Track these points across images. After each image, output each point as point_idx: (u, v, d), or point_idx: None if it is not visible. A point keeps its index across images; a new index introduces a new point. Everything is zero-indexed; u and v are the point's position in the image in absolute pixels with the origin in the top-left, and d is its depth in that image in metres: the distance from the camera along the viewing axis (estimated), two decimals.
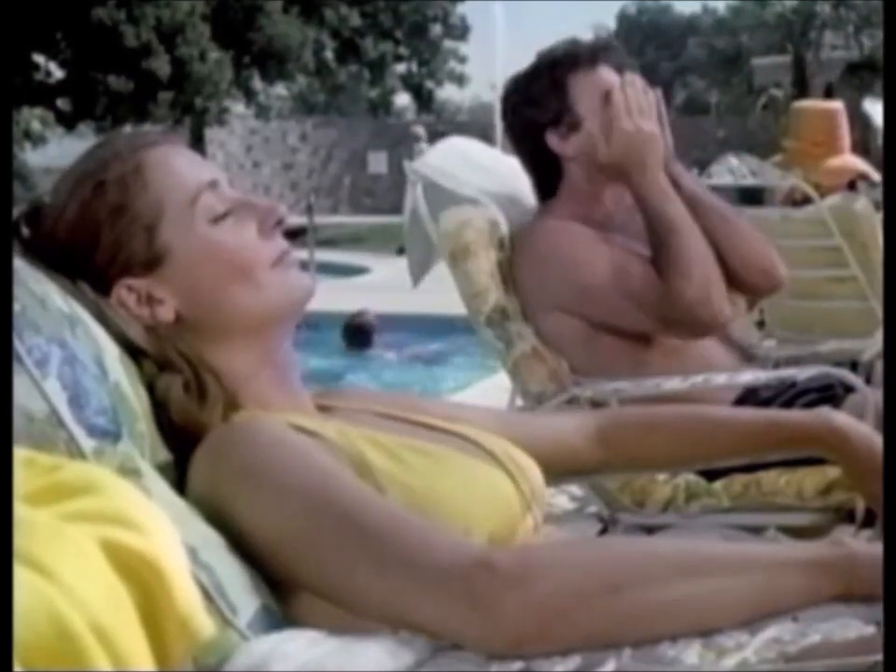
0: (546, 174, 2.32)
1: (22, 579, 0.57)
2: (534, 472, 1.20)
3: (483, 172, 2.51)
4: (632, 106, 2.15)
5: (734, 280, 2.20)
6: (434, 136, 15.18)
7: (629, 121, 2.15)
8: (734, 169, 3.60)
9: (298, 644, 0.87)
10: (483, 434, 1.21)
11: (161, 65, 17.57)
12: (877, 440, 1.26)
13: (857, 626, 0.85)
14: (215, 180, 1.16)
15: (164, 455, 1.08)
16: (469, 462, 1.13)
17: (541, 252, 2.24)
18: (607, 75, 2.23)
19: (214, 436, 1.08)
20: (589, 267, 2.18)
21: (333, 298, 7.18)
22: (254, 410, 1.13)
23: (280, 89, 28.67)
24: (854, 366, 2.35)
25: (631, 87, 2.16)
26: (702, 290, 2.09)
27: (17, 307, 0.96)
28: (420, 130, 15.00)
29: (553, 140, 2.25)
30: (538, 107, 2.25)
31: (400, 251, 14.28)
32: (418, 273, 2.70)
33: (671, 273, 2.10)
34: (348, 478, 1.03)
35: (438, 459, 1.10)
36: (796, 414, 1.40)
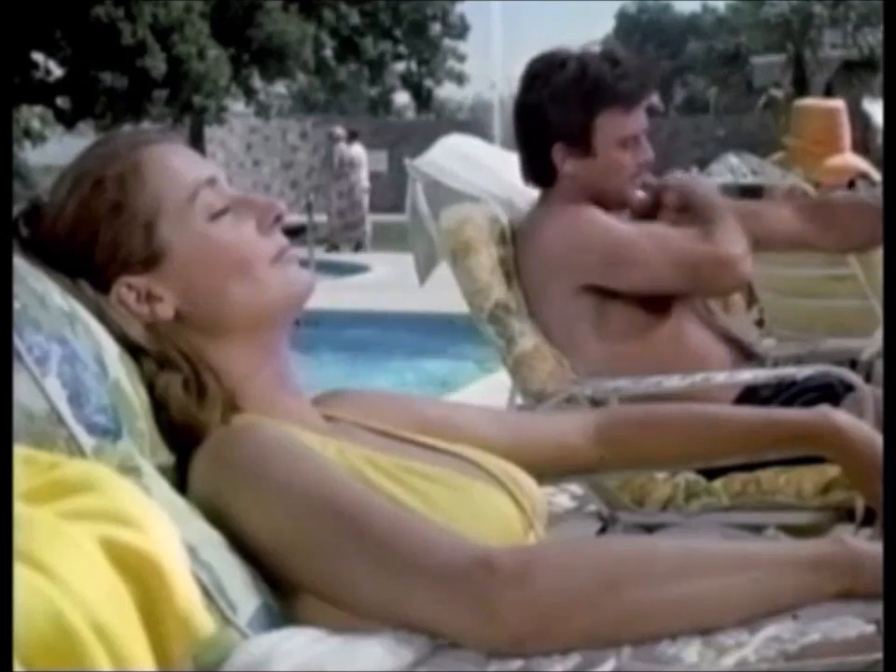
0: (538, 167, 2.33)
1: (22, 577, 0.57)
2: (533, 489, 1.20)
3: (483, 169, 2.51)
4: None
5: None
6: (352, 136, 15.15)
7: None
8: (734, 168, 3.59)
9: (298, 642, 0.87)
10: (482, 453, 1.21)
11: (157, 63, 17.55)
12: (877, 438, 1.25)
13: (857, 625, 0.85)
14: (213, 177, 1.16)
15: (165, 454, 1.08)
16: (469, 483, 1.13)
17: (556, 233, 2.24)
18: (637, 120, 2.27)
19: (214, 437, 1.07)
20: (619, 233, 2.25)
21: (333, 296, 7.17)
22: (255, 413, 1.13)
23: (280, 87, 28.68)
24: (853, 364, 2.35)
25: None
26: (726, 251, 2.22)
27: (17, 305, 0.96)
28: (340, 131, 15.39)
29: (558, 152, 2.26)
30: (560, 117, 2.26)
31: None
32: (424, 271, 2.70)
33: (698, 238, 2.24)
34: (347, 480, 1.03)
35: (438, 481, 1.10)
36: (796, 413, 1.40)
